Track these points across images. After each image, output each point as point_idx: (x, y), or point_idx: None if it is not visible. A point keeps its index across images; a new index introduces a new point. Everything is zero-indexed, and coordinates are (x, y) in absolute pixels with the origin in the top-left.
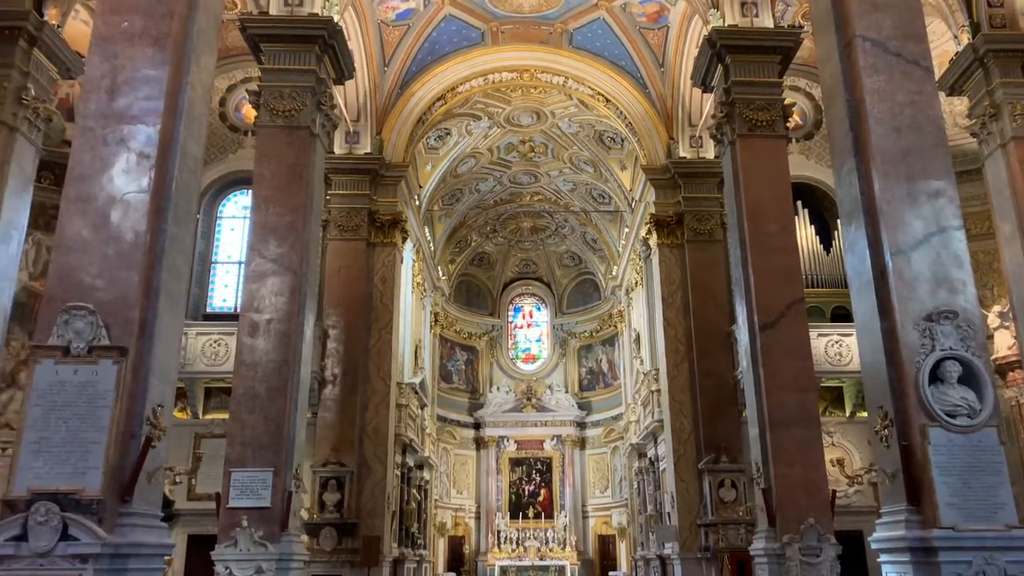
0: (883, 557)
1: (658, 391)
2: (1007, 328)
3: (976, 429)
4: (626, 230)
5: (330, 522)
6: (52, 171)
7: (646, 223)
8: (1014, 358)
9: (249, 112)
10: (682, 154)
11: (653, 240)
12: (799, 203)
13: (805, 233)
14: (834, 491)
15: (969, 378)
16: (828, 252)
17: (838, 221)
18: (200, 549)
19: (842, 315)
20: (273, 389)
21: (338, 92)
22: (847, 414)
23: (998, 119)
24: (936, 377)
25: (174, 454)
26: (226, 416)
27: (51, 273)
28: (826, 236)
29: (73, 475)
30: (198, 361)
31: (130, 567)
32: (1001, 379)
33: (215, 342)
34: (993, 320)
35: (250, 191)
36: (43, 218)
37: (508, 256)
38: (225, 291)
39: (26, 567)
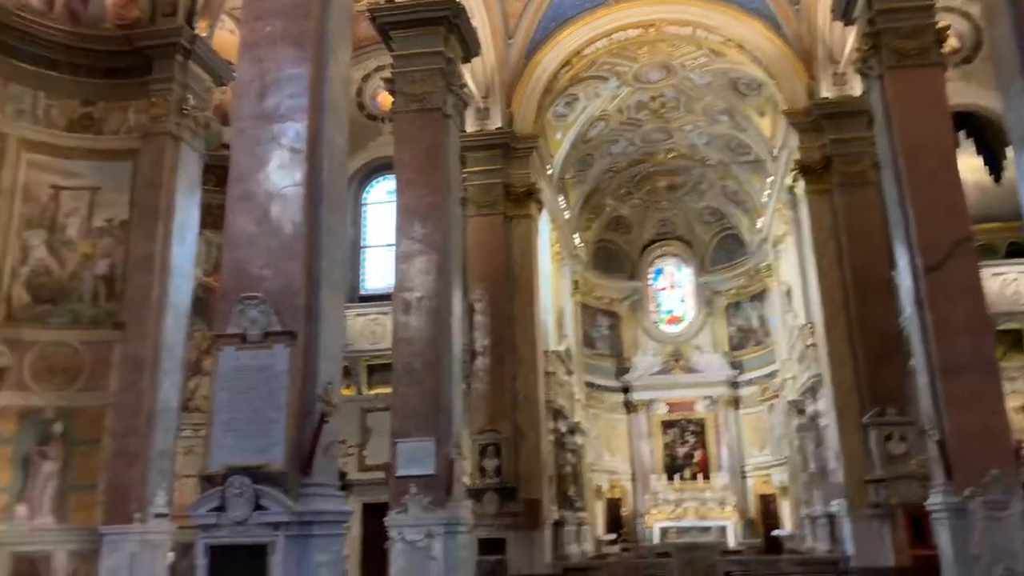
0: None
1: (814, 345)
2: None
3: None
4: (769, 180)
5: (491, 487)
6: (214, 173)
7: (791, 170)
8: None
9: (385, 100)
10: (825, 94)
11: (800, 188)
12: (961, 133)
13: (971, 165)
14: (1019, 440)
15: None
16: (998, 183)
17: (1008, 149)
18: (374, 516)
19: (1018, 251)
20: (428, 363)
21: (466, 70)
22: None
23: None
24: None
25: (344, 428)
26: (388, 391)
27: (224, 267)
28: (995, 166)
29: (259, 451)
30: (359, 340)
31: (315, 533)
32: None
33: (372, 321)
34: None
35: (392, 176)
36: (210, 217)
37: (645, 217)
38: (376, 273)
39: (227, 534)
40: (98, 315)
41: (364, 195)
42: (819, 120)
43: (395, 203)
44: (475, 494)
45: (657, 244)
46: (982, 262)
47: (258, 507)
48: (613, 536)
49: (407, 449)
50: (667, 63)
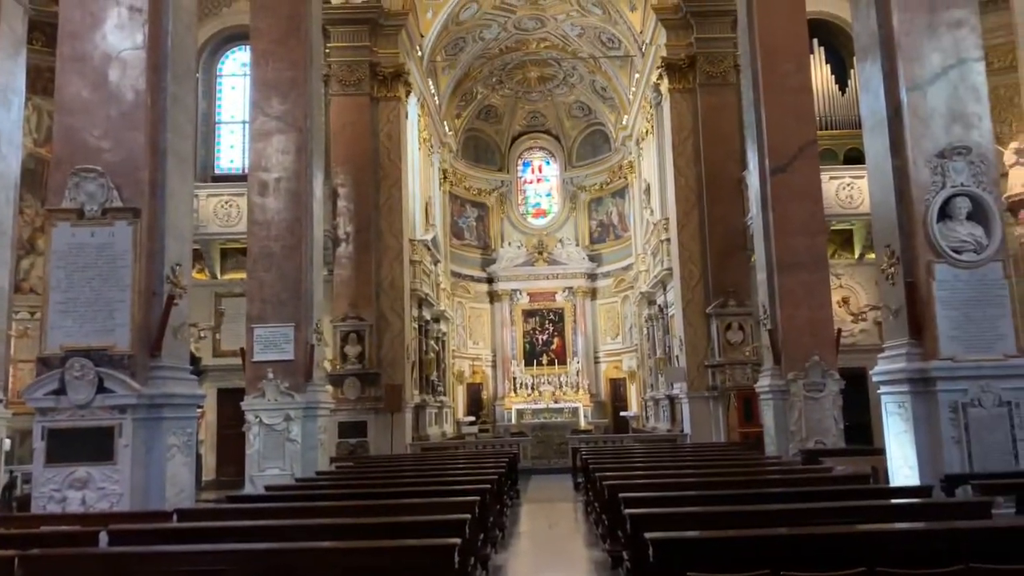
0: (883, 389)
1: (668, 240)
2: (1023, 165)
3: (982, 264)
4: (636, 76)
5: (352, 372)
6: (43, 31)
7: (657, 67)
8: None
9: None
10: None
11: (664, 85)
12: (815, 41)
13: (820, 73)
14: (839, 330)
15: (978, 214)
16: (844, 93)
17: (855, 59)
18: (229, 402)
19: (855, 158)
20: (287, 247)
21: None
22: (856, 256)
23: None
24: (945, 214)
25: (196, 313)
26: (243, 276)
27: (56, 135)
28: (842, 76)
29: (102, 332)
30: (211, 223)
31: (165, 415)
32: (1013, 216)
33: (226, 203)
34: (1009, 157)
35: (248, 47)
36: (40, 82)
37: (515, 109)
38: (232, 152)
39: (67, 418)
40: None
41: (218, 66)
42: (687, 18)
43: (251, 76)
44: (337, 379)
45: (527, 136)
46: (822, 166)
47: (102, 390)
48: (472, 418)
49: (265, 334)
50: None
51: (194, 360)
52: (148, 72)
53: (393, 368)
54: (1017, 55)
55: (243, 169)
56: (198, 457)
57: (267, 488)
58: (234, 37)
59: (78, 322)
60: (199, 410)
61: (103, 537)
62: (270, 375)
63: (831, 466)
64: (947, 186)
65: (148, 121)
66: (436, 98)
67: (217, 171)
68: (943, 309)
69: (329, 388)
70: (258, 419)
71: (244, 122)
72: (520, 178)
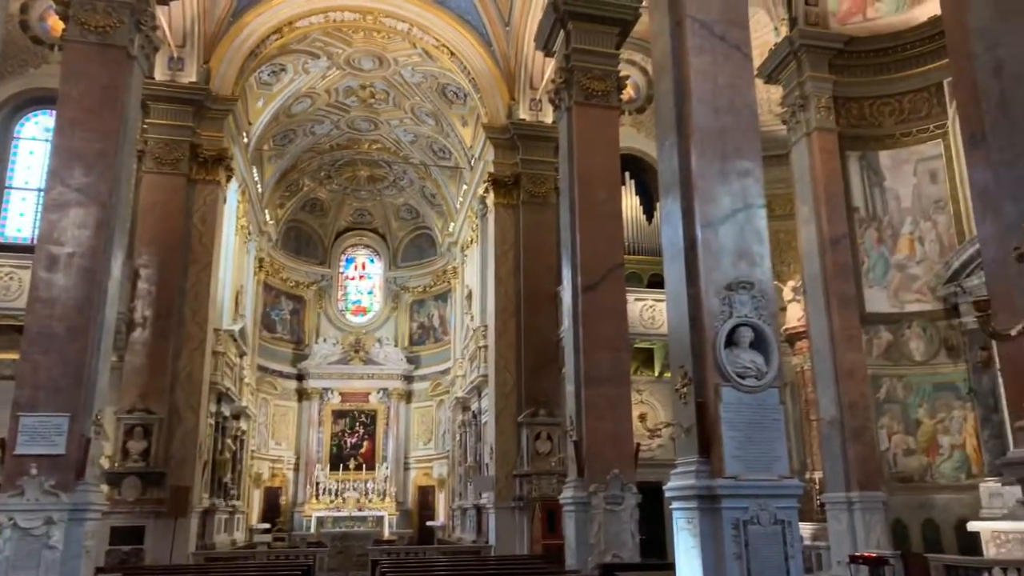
0: (674, 504)
1: (486, 347)
2: (798, 301)
3: (761, 389)
4: (464, 187)
5: (134, 471)
6: None
7: (484, 181)
8: (802, 329)
9: (56, 24)
10: (522, 116)
11: (490, 199)
12: (627, 173)
13: (630, 202)
14: (638, 444)
15: (760, 343)
16: (649, 222)
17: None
18: None
19: (658, 282)
20: (73, 328)
21: (161, 13)
22: (656, 374)
23: (805, 109)
24: (732, 341)
25: None
26: (16, 356)
27: None
28: (649, 207)
29: None
30: None
31: None
32: (790, 347)
33: (7, 275)
34: (788, 294)
35: (53, 112)
36: None
37: (343, 204)
38: (20, 220)
39: None
40: None
41: (17, 129)
42: (514, 139)
43: (52, 143)
44: (115, 478)
45: (352, 232)
46: (628, 288)
47: None
48: (267, 525)
49: (33, 424)
50: (381, 54)
51: None
52: None
53: (182, 468)
54: (795, 204)
55: (31, 240)
56: None
57: None
58: (39, 100)
59: None
60: None
61: None
62: (33, 471)
63: None
64: (733, 315)
65: None
66: (259, 186)
67: (0, 239)
68: (728, 430)
69: (104, 488)
70: (12, 521)
71: (39, 190)
72: (342, 273)
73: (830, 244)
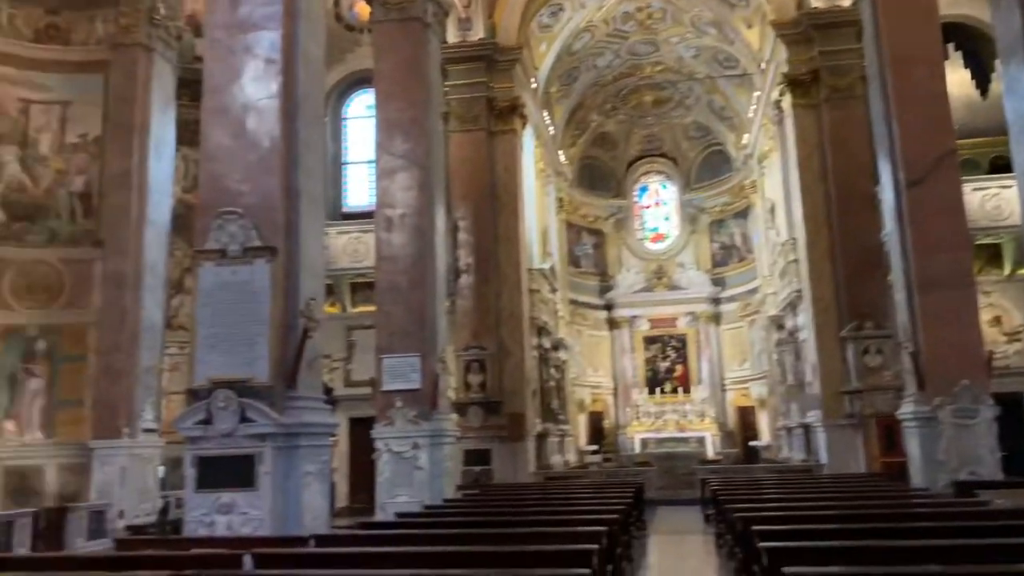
0: None
1: (796, 261)
2: None
3: None
4: (756, 94)
5: (475, 401)
6: (189, 88)
7: (778, 84)
8: None
9: (363, 9)
10: (815, 4)
11: (787, 102)
12: (950, 45)
13: (958, 78)
14: (991, 352)
15: None
16: (984, 97)
17: (996, 62)
18: (360, 430)
19: (1002, 166)
20: (413, 280)
21: None
22: (1006, 272)
23: None
24: None
25: (329, 345)
26: (372, 308)
27: (202, 182)
28: (983, 80)
29: (243, 365)
30: (341, 259)
31: (301, 444)
32: None
33: (355, 239)
34: None
35: (372, 90)
36: (187, 134)
37: (630, 134)
38: (358, 191)
39: (214, 446)
40: (76, 233)
41: (344, 110)
42: (808, 31)
43: (375, 118)
44: (460, 408)
45: (643, 161)
46: (964, 177)
47: (244, 419)
48: (595, 447)
49: (392, 364)
50: None
51: (327, 390)
52: (282, 119)
53: (514, 397)
54: None
55: (369, 206)
56: (331, 484)
57: (397, 515)
58: (359, 81)
59: (223, 356)
60: (332, 439)
61: (247, 560)
62: (398, 404)
63: (988, 499)
64: None
65: (282, 165)
66: (551, 128)
67: (345, 209)
68: None
69: (454, 416)
70: (387, 447)
71: (369, 161)
72: (637, 203)
73: None
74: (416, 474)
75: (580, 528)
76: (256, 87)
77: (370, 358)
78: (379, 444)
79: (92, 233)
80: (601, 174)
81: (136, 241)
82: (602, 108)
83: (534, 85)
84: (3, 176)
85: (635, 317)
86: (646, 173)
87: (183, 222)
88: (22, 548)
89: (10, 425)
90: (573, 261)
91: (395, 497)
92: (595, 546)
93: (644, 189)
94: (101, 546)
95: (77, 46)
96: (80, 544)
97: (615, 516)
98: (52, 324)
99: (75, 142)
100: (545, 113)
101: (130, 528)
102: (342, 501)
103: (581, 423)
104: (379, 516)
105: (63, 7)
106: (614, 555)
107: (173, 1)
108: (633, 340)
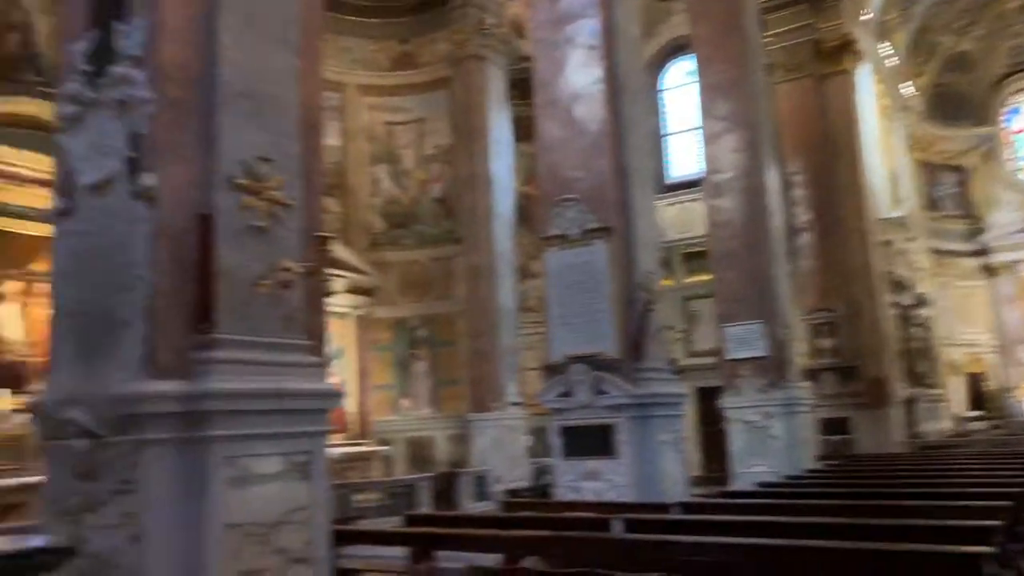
0: None
1: None
2: None
3: None
4: None
5: (828, 367)
6: (517, 87)
7: None
8: None
9: None
10: None
11: None
12: None
13: None
14: None
15: None
16: None
17: None
18: (706, 399)
19: None
20: (747, 244)
21: None
22: None
23: None
24: None
25: (668, 316)
26: (707, 277)
27: (540, 173)
28: None
29: (592, 340)
30: (670, 230)
31: (654, 414)
32: None
33: (682, 209)
34: None
35: (687, 57)
36: (520, 130)
37: (992, 49)
38: (680, 160)
39: (575, 417)
40: (439, 234)
41: (659, 81)
42: None
43: (693, 84)
44: (812, 375)
45: (1011, 78)
46: None
47: (599, 392)
48: (976, 413)
49: (735, 333)
50: None
51: (671, 361)
52: (607, 102)
53: (872, 360)
54: None
55: (692, 175)
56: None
57: (759, 484)
58: (673, 50)
59: (573, 333)
60: (682, 408)
61: (614, 524)
62: (744, 372)
63: None
64: None
65: (611, 147)
66: (892, 59)
67: (668, 180)
68: None
69: (806, 384)
70: (739, 417)
71: (688, 130)
72: (1006, 128)
73: None
74: (770, 443)
75: (972, 502)
76: (581, 75)
77: (709, 328)
78: (730, 414)
79: (452, 232)
80: (959, 102)
81: (487, 235)
82: (952, 27)
83: (867, 15)
84: (380, 191)
85: (1017, 262)
86: (1016, 92)
87: (525, 213)
88: (423, 507)
89: (406, 402)
90: (931, 205)
91: (751, 467)
92: (997, 523)
93: (1015, 111)
94: (485, 507)
95: (425, 67)
96: (468, 505)
97: (1019, 490)
98: (428, 315)
99: (431, 153)
100: (884, 44)
101: (508, 492)
102: (695, 470)
103: (956, 386)
104: (735, 485)
105: (411, 35)
106: (1018, 534)
107: (498, 9)
108: (1016, 288)
